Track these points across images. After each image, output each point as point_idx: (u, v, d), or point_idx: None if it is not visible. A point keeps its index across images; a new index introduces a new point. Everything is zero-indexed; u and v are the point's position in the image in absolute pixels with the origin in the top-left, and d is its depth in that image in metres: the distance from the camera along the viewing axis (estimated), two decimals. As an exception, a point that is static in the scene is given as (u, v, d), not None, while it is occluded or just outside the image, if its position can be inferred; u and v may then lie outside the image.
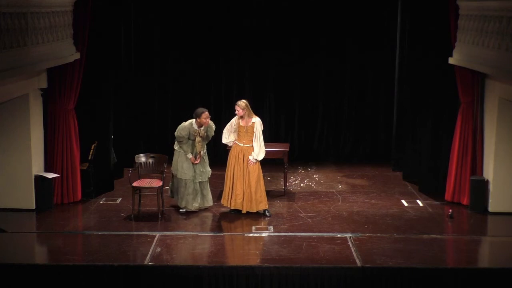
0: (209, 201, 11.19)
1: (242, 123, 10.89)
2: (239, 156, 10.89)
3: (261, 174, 11.00)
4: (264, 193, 11.01)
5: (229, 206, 11.02)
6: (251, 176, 10.87)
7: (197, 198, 11.05)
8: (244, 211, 10.94)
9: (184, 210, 11.07)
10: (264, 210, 11.04)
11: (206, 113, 10.87)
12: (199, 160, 10.90)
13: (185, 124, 10.98)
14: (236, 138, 10.96)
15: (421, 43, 12.10)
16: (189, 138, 10.91)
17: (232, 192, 10.94)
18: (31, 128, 10.90)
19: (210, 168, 11.26)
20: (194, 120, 10.91)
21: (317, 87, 14.46)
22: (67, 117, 11.36)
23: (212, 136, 11.20)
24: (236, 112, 10.88)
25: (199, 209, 11.12)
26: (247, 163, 10.84)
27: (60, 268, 8.91)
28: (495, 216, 11.08)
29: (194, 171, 10.97)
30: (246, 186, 10.88)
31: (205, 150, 11.10)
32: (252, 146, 10.87)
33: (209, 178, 11.18)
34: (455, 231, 10.60)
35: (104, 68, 11.88)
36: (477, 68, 10.64)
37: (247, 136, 10.88)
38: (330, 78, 14.41)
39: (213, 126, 11.08)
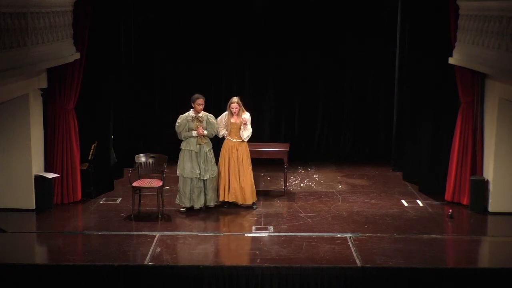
0: (211, 201, 11.18)
1: (233, 119, 11.14)
2: (232, 151, 11.13)
3: (251, 168, 11.28)
4: (254, 185, 11.33)
5: (225, 200, 11.19)
6: (245, 169, 11.14)
7: (201, 196, 11.07)
8: (241, 203, 11.21)
9: (184, 209, 11.08)
10: (253, 202, 11.33)
11: (200, 100, 11.02)
12: (201, 131, 10.91)
13: (183, 114, 11.10)
14: (228, 134, 11.20)
15: (421, 43, 12.09)
16: (189, 129, 10.96)
17: (229, 186, 11.11)
18: (31, 128, 10.90)
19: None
20: (192, 109, 11.09)
21: (317, 87, 14.47)
22: (67, 117, 11.36)
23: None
24: (234, 110, 11.08)
25: (202, 208, 11.15)
26: (240, 158, 11.11)
27: (60, 268, 8.91)
28: (495, 216, 11.08)
29: (199, 169, 10.99)
30: (241, 178, 11.10)
31: (210, 147, 11.13)
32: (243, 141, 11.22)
33: (213, 177, 11.14)
34: (455, 231, 10.60)
35: (104, 68, 11.89)
36: (477, 68, 10.63)
37: (239, 132, 11.14)
38: (330, 78, 14.40)
39: (213, 121, 11.12)
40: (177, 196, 11.16)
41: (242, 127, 11.10)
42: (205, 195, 11.11)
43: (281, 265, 8.98)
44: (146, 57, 14.14)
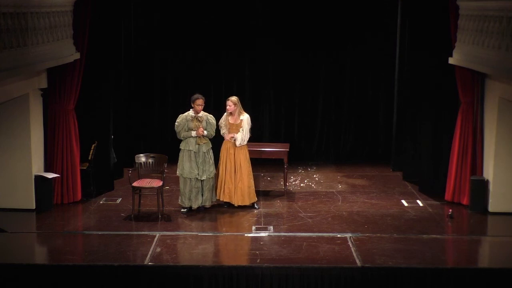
0: (207, 201, 11.17)
1: (231, 120, 11.15)
2: (230, 152, 11.14)
3: (251, 168, 11.23)
4: (253, 186, 11.27)
5: (220, 199, 11.22)
6: (243, 171, 11.10)
7: (198, 197, 11.07)
8: (236, 204, 11.17)
9: (185, 210, 11.07)
10: (253, 203, 11.27)
11: (199, 100, 10.97)
12: (201, 131, 10.88)
13: (183, 113, 11.08)
14: (227, 134, 11.19)
15: (421, 43, 12.09)
16: (188, 129, 10.92)
17: (224, 186, 11.14)
18: (31, 128, 10.90)
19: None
20: (191, 108, 11.07)
21: (317, 87, 14.46)
22: (67, 117, 11.36)
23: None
24: (228, 107, 11.09)
25: (200, 207, 11.14)
26: (238, 159, 11.08)
27: (60, 268, 8.91)
28: (495, 216, 11.08)
29: (197, 169, 10.98)
30: (237, 180, 11.09)
31: (209, 148, 11.12)
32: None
33: (210, 178, 11.13)
34: (455, 231, 10.60)
35: (104, 68, 11.89)
36: (477, 68, 10.64)
37: (236, 133, 11.10)
38: (330, 78, 14.41)
39: (213, 121, 11.10)
40: (180, 197, 11.16)
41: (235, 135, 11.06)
42: (203, 195, 11.12)
43: (281, 265, 8.97)
44: (146, 57, 14.14)
